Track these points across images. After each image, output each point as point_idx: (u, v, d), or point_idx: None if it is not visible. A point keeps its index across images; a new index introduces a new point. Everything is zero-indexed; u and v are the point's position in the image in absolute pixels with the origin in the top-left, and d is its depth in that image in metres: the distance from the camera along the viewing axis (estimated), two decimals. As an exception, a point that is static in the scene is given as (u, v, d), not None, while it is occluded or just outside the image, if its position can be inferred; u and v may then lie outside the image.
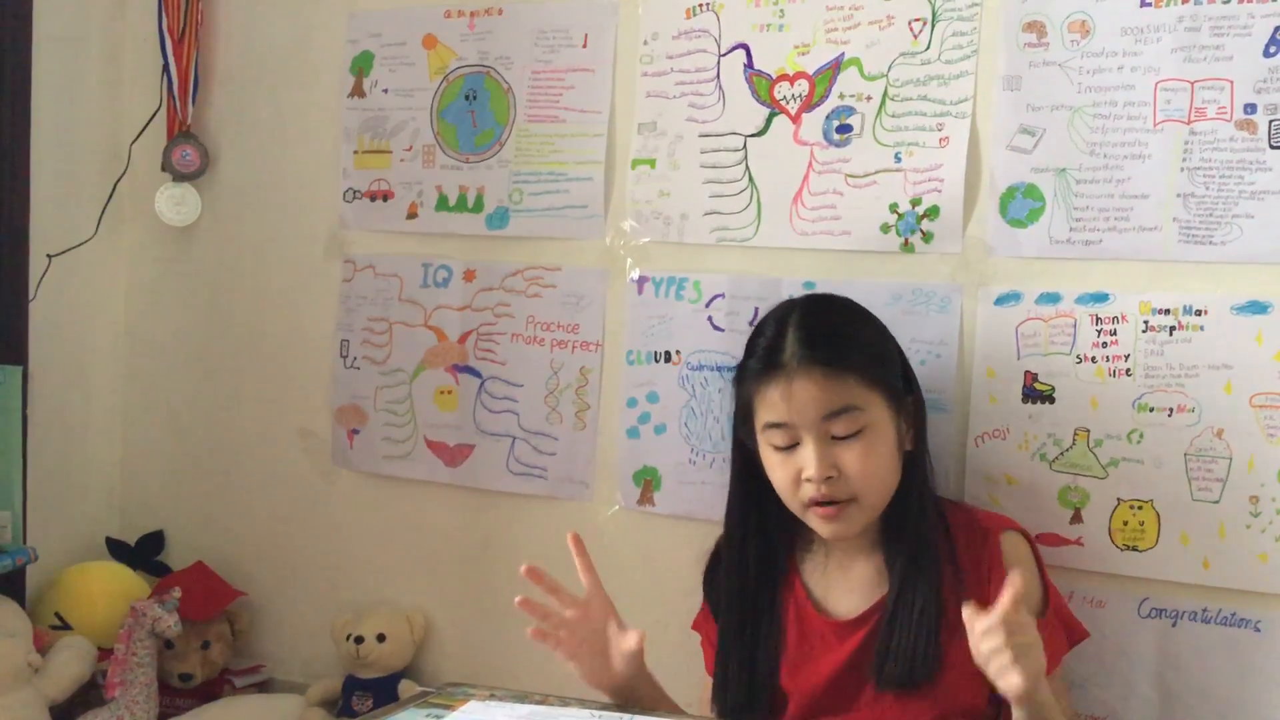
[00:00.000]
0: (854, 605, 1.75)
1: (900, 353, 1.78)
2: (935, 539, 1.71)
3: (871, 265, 1.98)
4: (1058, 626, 1.71)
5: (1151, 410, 1.82)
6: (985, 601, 1.60)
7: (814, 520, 1.71)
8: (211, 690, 2.39)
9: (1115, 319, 1.85)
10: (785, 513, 1.75)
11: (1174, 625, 1.83)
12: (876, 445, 1.67)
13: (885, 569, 1.73)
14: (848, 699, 1.72)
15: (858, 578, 1.76)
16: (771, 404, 1.69)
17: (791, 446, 1.69)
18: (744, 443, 1.79)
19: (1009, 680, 1.48)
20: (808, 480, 1.67)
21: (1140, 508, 1.84)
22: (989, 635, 1.48)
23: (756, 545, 1.79)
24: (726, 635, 1.79)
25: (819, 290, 1.84)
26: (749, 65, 2.07)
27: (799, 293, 2.01)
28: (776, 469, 1.71)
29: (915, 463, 1.74)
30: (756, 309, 2.05)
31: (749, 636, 1.77)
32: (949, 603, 1.65)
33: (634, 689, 1.75)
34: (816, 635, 1.75)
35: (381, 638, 2.28)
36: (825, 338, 1.69)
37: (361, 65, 2.36)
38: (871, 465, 1.67)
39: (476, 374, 2.28)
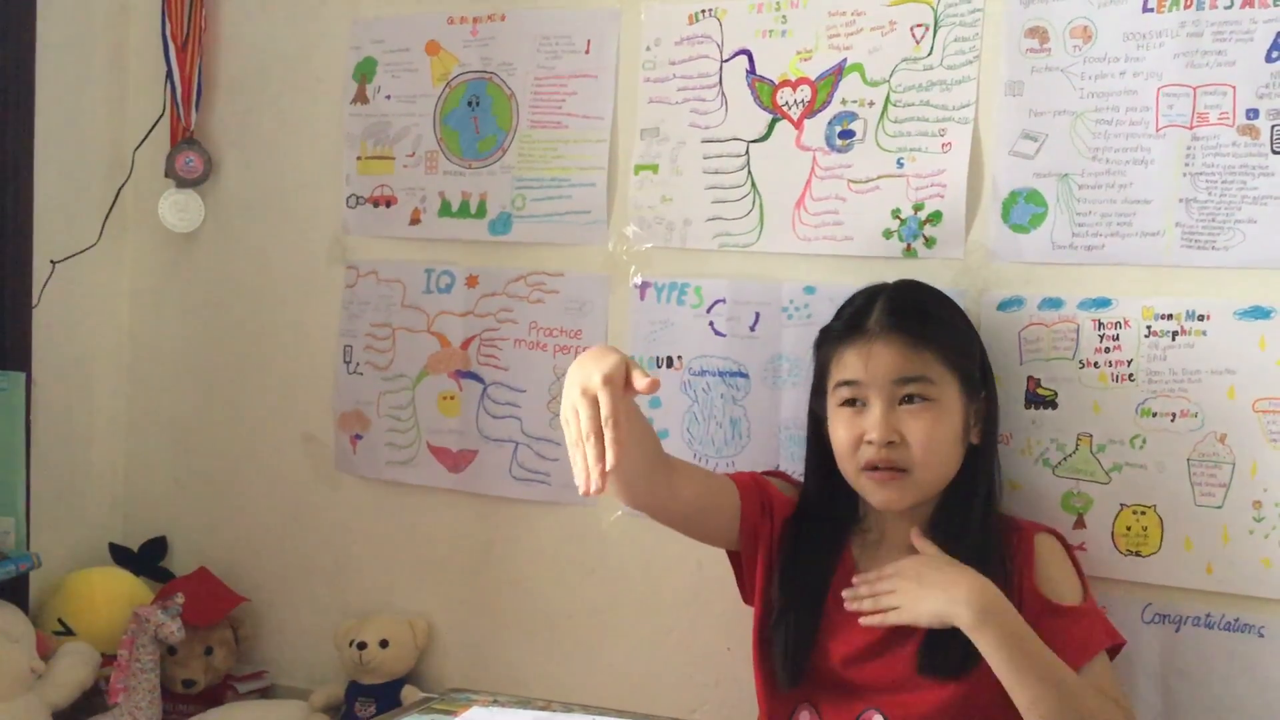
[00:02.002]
0: None
1: (982, 350, 1.81)
2: (994, 542, 1.72)
3: (874, 270, 1.97)
4: (1096, 617, 1.72)
5: (1154, 415, 1.82)
6: (1015, 596, 1.66)
7: (867, 485, 1.73)
8: (214, 696, 2.39)
9: (1118, 324, 1.85)
10: (846, 491, 1.78)
11: (1177, 631, 1.83)
12: (941, 421, 1.70)
13: None
14: (872, 674, 1.73)
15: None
16: (848, 363, 1.73)
17: (858, 407, 1.72)
18: (816, 413, 1.82)
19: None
20: (869, 442, 1.70)
21: (1143, 513, 1.83)
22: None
23: (829, 506, 1.81)
24: (787, 583, 1.79)
25: (903, 281, 1.85)
26: (751, 71, 2.08)
27: (800, 298, 2.02)
28: (840, 428, 1.74)
29: (981, 460, 1.76)
30: (758, 314, 2.06)
31: (805, 591, 1.78)
32: None
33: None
34: (850, 611, 1.75)
35: (384, 643, 2.28)
36: (913, 313, 1.74)
37: (364, 72, 2.37)
38: (934, 439, 1.69)
39: (479, 379, 2.28)
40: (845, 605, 1.71)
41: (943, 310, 1.80)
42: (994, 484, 1.80)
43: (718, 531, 1.84)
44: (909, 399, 1.70)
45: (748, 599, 1.86)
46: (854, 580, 1.72)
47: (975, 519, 1.73)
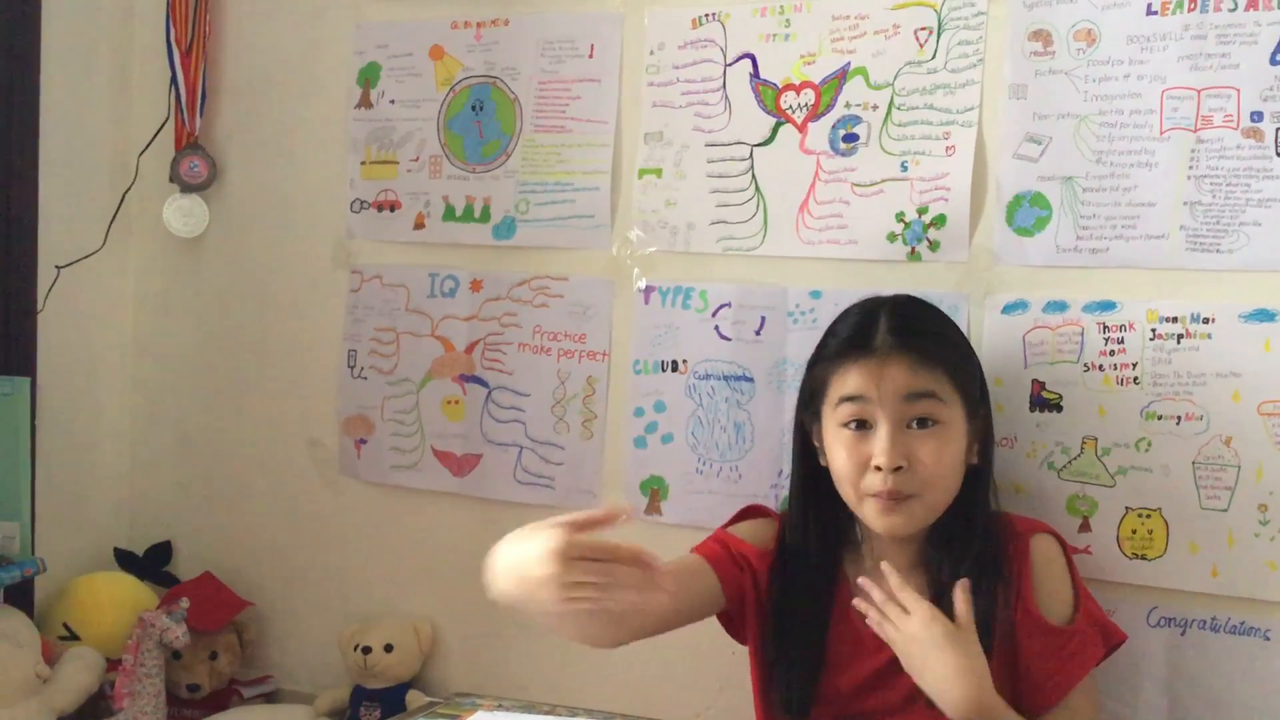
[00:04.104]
0: None
1: (979, 367, 1.77)
2: (991, 553, 1.69)
3: (878, 274, 1.98)
4: (1091, 632, 1.69)
5: (1159, 418, 1.82)
6: (1012, 602, 1.64)
7: (870, 510, 1.68)
8: (219, 701, 2.39)
9: (1122, 327, 1.84)
10: (836, 510, 1.75)
11: (1183, 634, 1.83)
12: (949, 443, 1.66)
13: (925, 584, 1.70)
14: (877, 702, 1.71)
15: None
16: (854, 379, 1.67)
17: (863, 428, 1.67)
18: (805, 429, 1.77)
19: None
20: (876, 469, 1.65)
21: (1148, 516, 1.83)
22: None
23: (817, 531, 1.77)
24: (784, 624, 1.76)
25: (900, 297, 1.80)
26: (755, 75, 2.08)
27: (806, 302, 2.02)
28: (842, 451, 1.68)
29: (978, 480, 1.73)
30: (763, 318, 2.05)
31: (803, 628, 1.75)
32: (998, 619, 1.65)
33: None
34: (855, 640, 1.74)
35: (389, 648, 2.28)
36: (919, 330, 1.69)
37: (368, 76, 2.37)
38: (943, 462, 1.65)
39: (484, 384, 2.28)
40: (855, 605, 1.67)
41: (947, 329, 1.76)
42: (991, 498, 1.77)
43: (703, 610, 1.79)
44: (919, 423, 1.65)
45: (739, 640, 1.83)
46: (861, 582, 1.67)
47: (975, 534, 1.70)
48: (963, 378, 1.70)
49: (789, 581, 1.77)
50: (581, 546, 1.40)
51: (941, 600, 1.67)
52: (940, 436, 1.65)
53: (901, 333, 1.68)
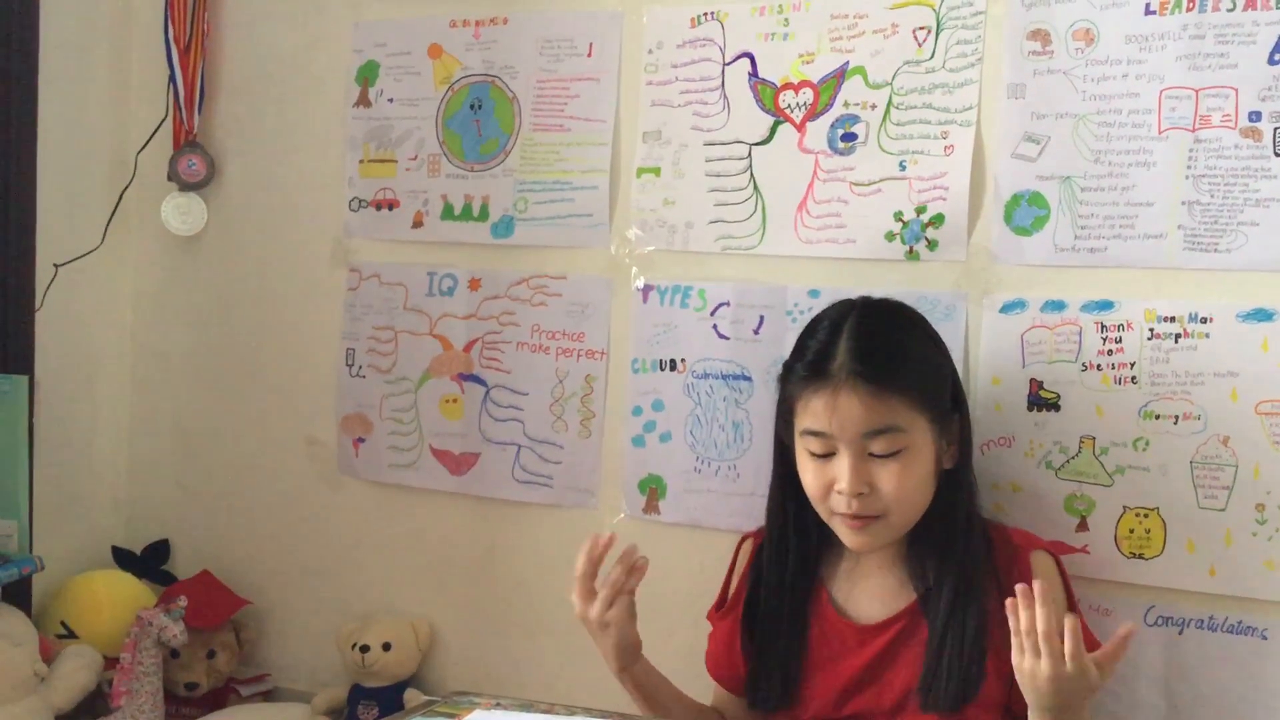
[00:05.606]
0: (876, 612, 1.75)
1: (953, 369, 1.77)
2: (983, 558, 1.70)
3: (876, 273, 1.98)
4: None
5: (1157, 418, 1.82)
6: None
7: (840, 528, 1.71)
8: (217, 699, 2.39)
9: (1120, 326, 1.85)
10: (815, 513, 1.75)
11: (1180, 633, 1.83)
12: (913, 467, 1.67)
13: (908, 581, 1.73)
14: (865, 703, 1.72)
15: (882, 586, 1.76)
16: (814, 412, 1.68)
17: (827, 455, 1.69)
18: (783, 440, 1.79)
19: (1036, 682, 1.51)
20: (839, 493, 1.67)
21: (1146, 515, 1.83)
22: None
23: (795, 537, 1.79)
24: (766, 627, 1.78)
25: (873, 297, 1.80)
26: (754, 74, 2.08)
27: (805, 301, 2.02)
28: (809, 474, 1.71)
29: (957, 481, 1.73)
30: (762, 317, 2.06)
31: (786, 630, 1.77)
32: (993, 622, 1.64)
33: (647, 673, 1.84)
34: (836, 639, 1.75)
35: (387, 646, 2.28)
36: (878, 352, 1.68)
37: (367, 75, 2.37)
38: (906, 486, 1.66)
39: (482, 382, 2.28)
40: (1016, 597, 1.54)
41: (909, 341, 1.73)
42: (973, 498, 1.76)
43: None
44: (877, 454, 1.66)
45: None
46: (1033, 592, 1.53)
47: (958, 534, 1.70)
48: (927, 393, 1.69)
49: (769, 584, 1.79)
50: (583, 587, 1.77)
51: (925, 599, 1.69)
52: (901, 462, 1.66)
53: (859, 357, 1.66)
